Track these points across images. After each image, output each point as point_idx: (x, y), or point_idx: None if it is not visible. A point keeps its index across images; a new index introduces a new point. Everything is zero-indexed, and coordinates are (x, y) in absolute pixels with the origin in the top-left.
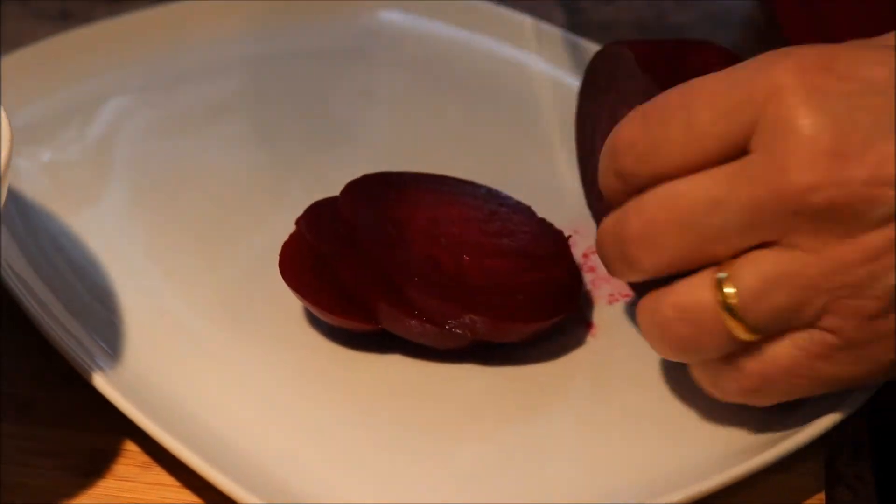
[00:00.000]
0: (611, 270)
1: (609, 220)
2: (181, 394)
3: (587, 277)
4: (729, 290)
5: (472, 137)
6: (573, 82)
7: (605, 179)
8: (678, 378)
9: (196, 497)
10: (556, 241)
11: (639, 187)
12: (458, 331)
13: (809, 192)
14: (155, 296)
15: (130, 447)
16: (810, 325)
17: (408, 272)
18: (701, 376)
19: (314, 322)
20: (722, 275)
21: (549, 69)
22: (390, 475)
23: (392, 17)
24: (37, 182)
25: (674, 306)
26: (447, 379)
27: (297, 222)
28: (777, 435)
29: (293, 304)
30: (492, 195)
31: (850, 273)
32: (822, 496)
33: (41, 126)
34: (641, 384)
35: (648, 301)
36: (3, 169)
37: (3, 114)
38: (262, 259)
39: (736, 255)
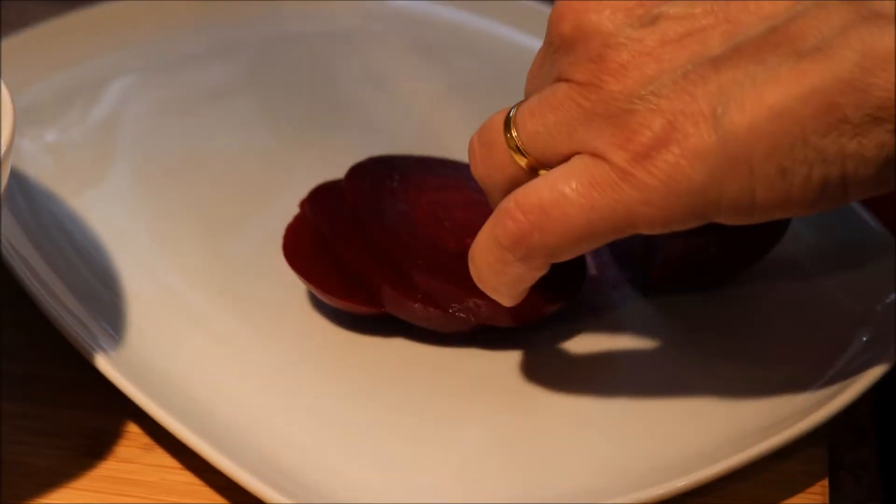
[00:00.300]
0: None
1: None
2: (183, 375)
3: (591, 263)
4: (512, 113)
5: (478, 121)
6: None
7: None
8: (682, 365)
9: (197, 479)
10: None
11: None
12: (461, 315)
13: (557, 22)
14: (158, 277)
15: (132, 429)
16: (579, 149)
17: (412, 255)
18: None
19: (317, 305)
20: (511, 111)
21: None
22: (390, 457)
23: None
24: (40, 163)
25: (478, 133)
26: (449, 363)
27: (302, 205)
28: (780, 421)
29: (296, 287)
30: None
31: (602, 91)
32: (825, 482)
33: (45, 107)
34: (644, 370)
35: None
36: (5, 150)
37: (7, 94)
38: (265, 241)
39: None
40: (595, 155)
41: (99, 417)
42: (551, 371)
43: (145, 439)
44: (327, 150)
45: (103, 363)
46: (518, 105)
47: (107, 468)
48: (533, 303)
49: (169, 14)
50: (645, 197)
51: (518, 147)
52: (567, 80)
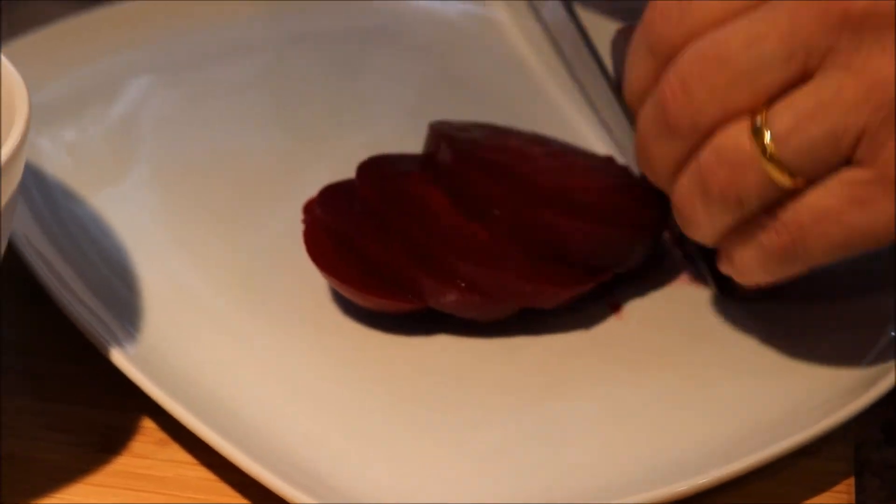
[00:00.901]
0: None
1: (647, 104)
2: (200, 371)
3: None
4: (766, 133)
5: (495, 120)
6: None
7: (637, 65)
8: (704, 361)
9: (213, 475)
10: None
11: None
12: (505, 299)
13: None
14: (175, 274)
15: (147, 424)
16: (846, 160)
17: (449, 244)
18: (734, 247)
19: (336, 301)
20: (759, 120)
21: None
22: (408, 455)
23: None
24: (58, 161)
25: (715, 150)
26: (469, 359)
27: (307, 209)
28: (804, 418)
29: (314, 283)
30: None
31: (889, 88)
32: (851, 481)
33: (63, 105)
34: (666, 366)
35: (691, 164)
36: (18, 142)
37: (23, 87)
38: (283, 238)
39: (772, 101)
40: (862, 162)
41: (113, 413)
42: (568, 369)
43: (160, 435)
44: (345, 148)
45: (119, 358)
46: (763, 117)
47: (121, 464)
48: (576, 279)
49: (187, 12)
50: None
51: (783, 165)
52: (841, 70)
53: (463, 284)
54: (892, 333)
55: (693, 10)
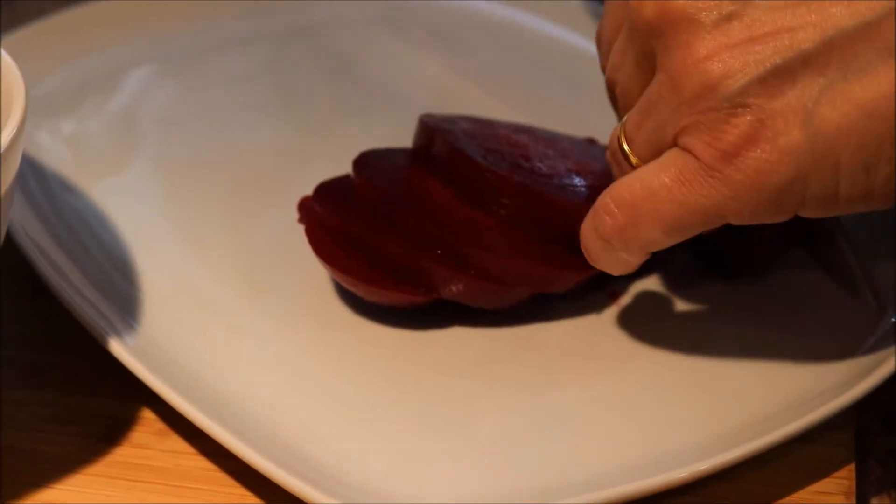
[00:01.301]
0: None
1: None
2: (199, 362)
3: None
4: (622, 132)
5: (500, 113)
6: None
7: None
8: (702, 349)
9: (212, 464)
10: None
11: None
12: (517, 287)
13: (639, 8)
14: (175, 266)
15: (146, 415)
16: (674, 143)
17: (459, 235)
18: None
19: (337, 293)
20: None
21: (586, 44)
22: (407, 446)
23: None
24: (58, 154)
25: (608, 153)
26: (473, 352)
27: (302, 207)
28: (804, 404)
29: (315, 276)
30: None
31: (688, 82)
32: (852, 467)
33: (62, 98)
34: (665, 354)
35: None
36: (15, 133)
37: (19, 77)
38: (284, 231)
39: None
40: (685, 150)
41: (113, 404)
42: (569, 361)
43: (160, 425)
44: (346, 140)
45: (118, 348)
46: (624, 121)
47: (121, 454)
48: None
49: (187, 5)
50: (733, 192)
51: (634, 164)
52: (659, 70)
53: (474, 272)
54: (893, 319)
55: None
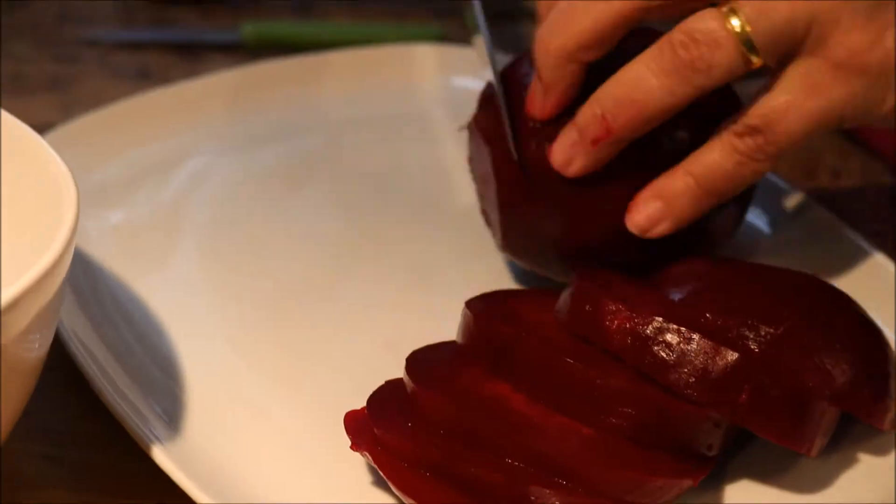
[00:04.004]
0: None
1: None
2: (240, 468)
3: None
4: (739, 17)
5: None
6: None
7: None
8: None
9: None
10: None
11: None
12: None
13: None
14: (219, 366)
15: None
16: (799, 49)
17: (548, 448)
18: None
19: None
20: (725, 9)
21: None
22: None
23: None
24: (104, 245)
25: (686, 31)
26: None
27: (352, 423)
28: None
29: (357, 379)
30: None
31: None
32: None
33: (113, 188)
34: None
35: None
36: (68, 237)
37: (70, 178)
38: (330, 332)
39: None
40: (807, 57)
41: None
42: None
43: None
44: (397, 239)
45: (159, 454)
46: (737, 9)
47: None
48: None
49: (242, 95)
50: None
51: (752, 44)
52: None
53: (581, 491)
54: None
55: None
